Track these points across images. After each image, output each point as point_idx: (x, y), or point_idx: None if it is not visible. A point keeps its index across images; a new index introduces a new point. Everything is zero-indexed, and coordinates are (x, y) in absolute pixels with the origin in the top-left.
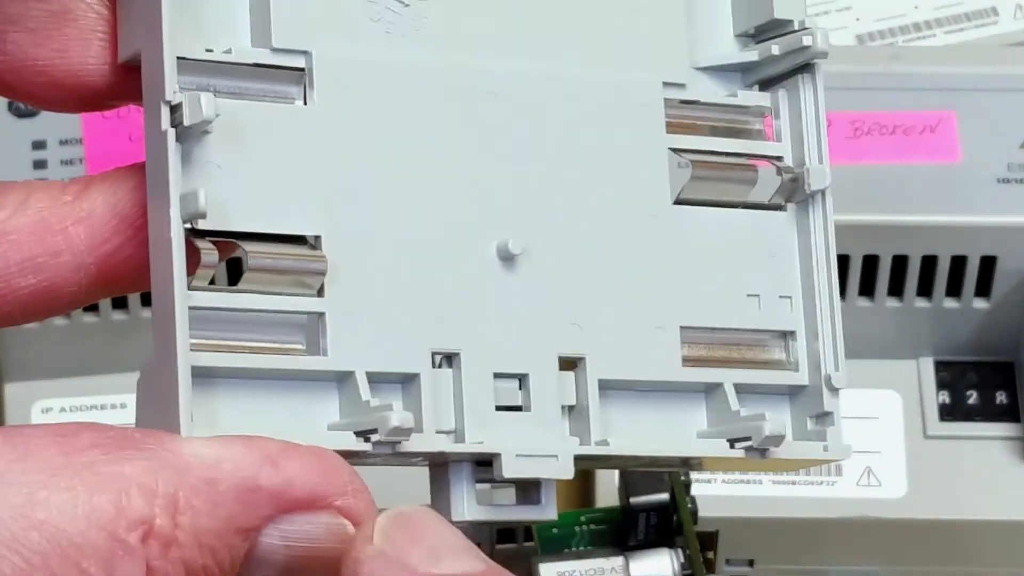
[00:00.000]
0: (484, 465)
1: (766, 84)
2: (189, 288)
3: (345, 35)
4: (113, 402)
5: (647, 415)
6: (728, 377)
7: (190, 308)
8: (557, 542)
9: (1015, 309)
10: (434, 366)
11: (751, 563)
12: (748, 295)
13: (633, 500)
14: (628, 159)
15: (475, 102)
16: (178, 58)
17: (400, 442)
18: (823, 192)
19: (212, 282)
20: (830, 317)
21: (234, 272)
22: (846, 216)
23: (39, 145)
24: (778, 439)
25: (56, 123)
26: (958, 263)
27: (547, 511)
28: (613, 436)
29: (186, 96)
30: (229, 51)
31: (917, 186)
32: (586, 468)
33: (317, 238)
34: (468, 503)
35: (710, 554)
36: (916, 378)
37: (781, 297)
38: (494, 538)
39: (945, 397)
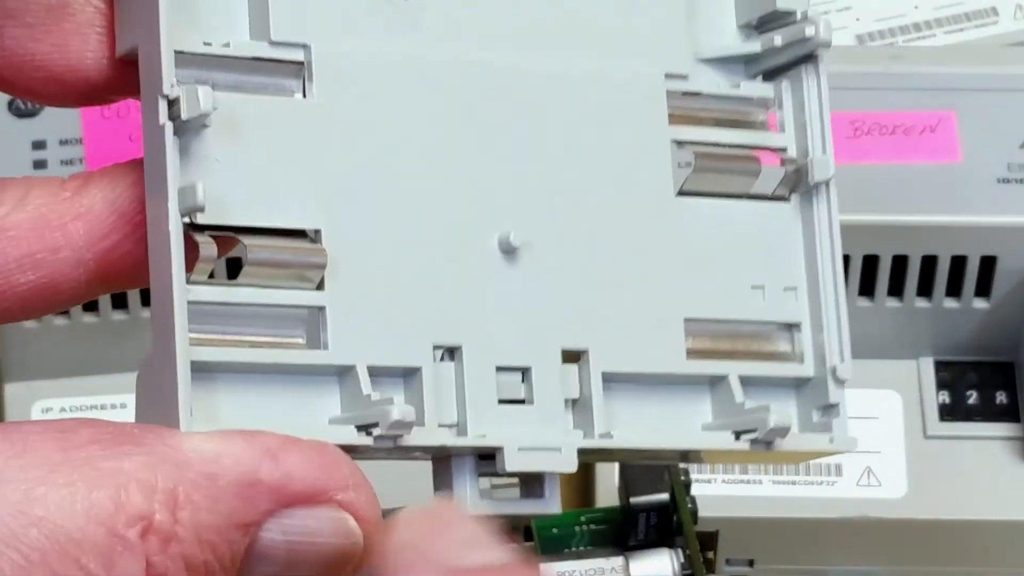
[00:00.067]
0: (487, 459)
1: (769, 75)
2: (188, 282)
3: (344, 28)
4: (113, 402)
5: (651, 408)
6: (733, 369)
7: (189, 302)
8: (557, 542)
9: (1015, 309)
10: (436, 360)
11: (751, 563)
12: (752, 287)
13: (633, 500)
14: (630, 151)
15: (475, 95)
16: (176, 52)
17: (401, 436)
18: (827, 183)
19: (212, 276)
20: (835, 308)
21: (234, 267)
22: (846, 216)
23: (39, 145)
24: (783, 431)
25: (56, 123)
26: (958, 263)
27: (551, 505)
28: (617, 429)
29: (184, 90)
30: (227, 44)
31: (917, 186)
32: (590, 461)
33: (317, 232)
34: (471, 497)
35: (710, 554)
36: (916, 378)
37: (786, 289)
38: None
39: (945, 397)
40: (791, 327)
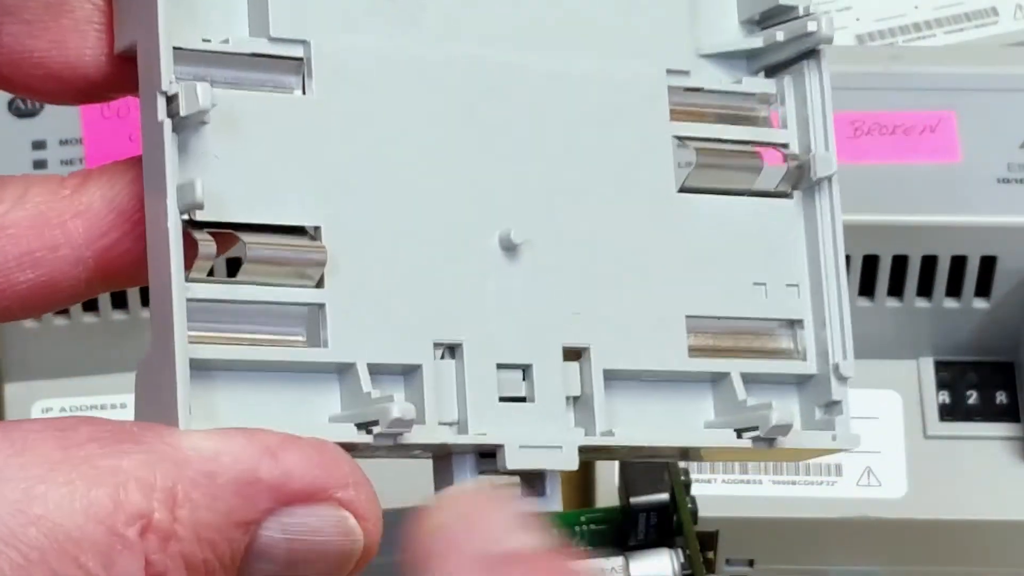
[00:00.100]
0: (488, 457)
1: (771, 71)
2: (187, 280)
3: (344, 25)
4: (113, 402)
5: (653, 405)
6: (735, 367)
7: (188, 300)
8: None
9: (1015, 309)
10: (436, 357)
11: (751, 563)
12: (755, 284)
13: (633, 500)
14: (632, 148)
15: (476, 92)
16: (174, 48)
17: (402, 434)
18: (829, 179)
19: (211, 274)
20: (838, 305)
21: (234, 265)
22: (846, 216)
23: (39, 145)
24: (785, 428)
25: (56, 123)
26: (958, 263)
27: (552, 502)
28: (618, 427)
29: (182, 86)
30: (227, 41)
31: (917, 186)
32: (591, 459)
33: (317, 229)
34: None
35: (710, 554)
36: (916, 378)
37: (788, 285)
38: None
39: (945, 397)
40: (793, 324)
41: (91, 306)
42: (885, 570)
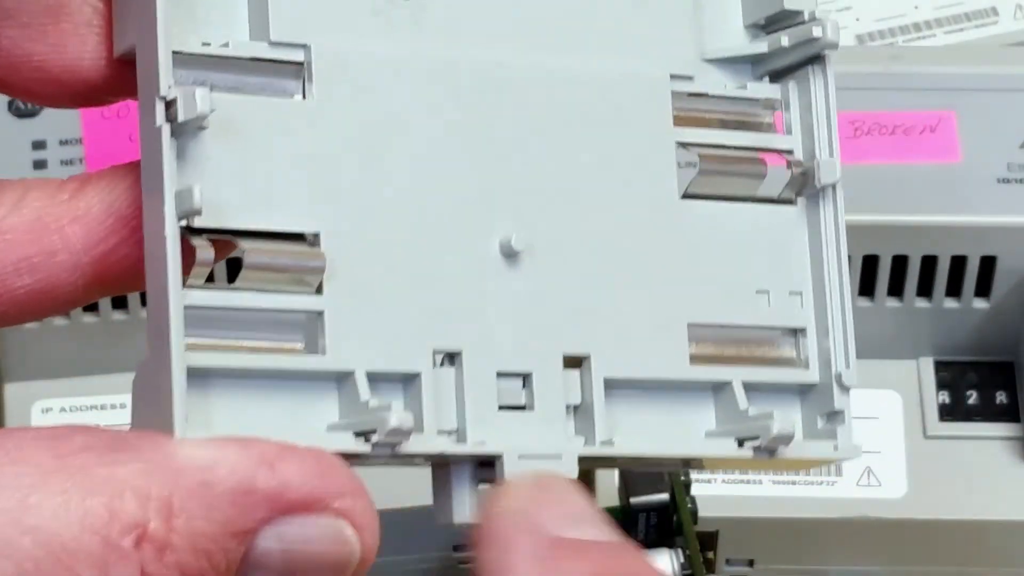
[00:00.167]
0: (487, 466)
1: (776, 76)
2: (184, 287)
3: (345, 28)
4: (113, 402)
5: (654, 414)
6: (737, 375)
7: (185, 307)
8: None
9: (1015, 309)
10: (436, 365)
11: (751, 563)
12: (757, 291)
13: (633, 500)
14: (635, 153)
15: (477, 96)
16: (174, 52)
17: (400, 443)
18: (833, 186)
19: (210, 280)
20: (841, 314)
21: (235, 271)
22: (846, 216)
23: (39, 145)
24: (787, 438)
25: (56, 123)
26: (958, 263)
27: None
28: (618, 436)
29: (181, 91)
30: (226, 45)
31: (917, 186)
32: (591, 468)
33: (316, 235)
34: (470, 504)
35: (710, 554)
36: (916, 378)
37: (791, 293)
38: None
39: (945, 397)
40: (796, 332)
41: (91, 306)
42: (885, 570)
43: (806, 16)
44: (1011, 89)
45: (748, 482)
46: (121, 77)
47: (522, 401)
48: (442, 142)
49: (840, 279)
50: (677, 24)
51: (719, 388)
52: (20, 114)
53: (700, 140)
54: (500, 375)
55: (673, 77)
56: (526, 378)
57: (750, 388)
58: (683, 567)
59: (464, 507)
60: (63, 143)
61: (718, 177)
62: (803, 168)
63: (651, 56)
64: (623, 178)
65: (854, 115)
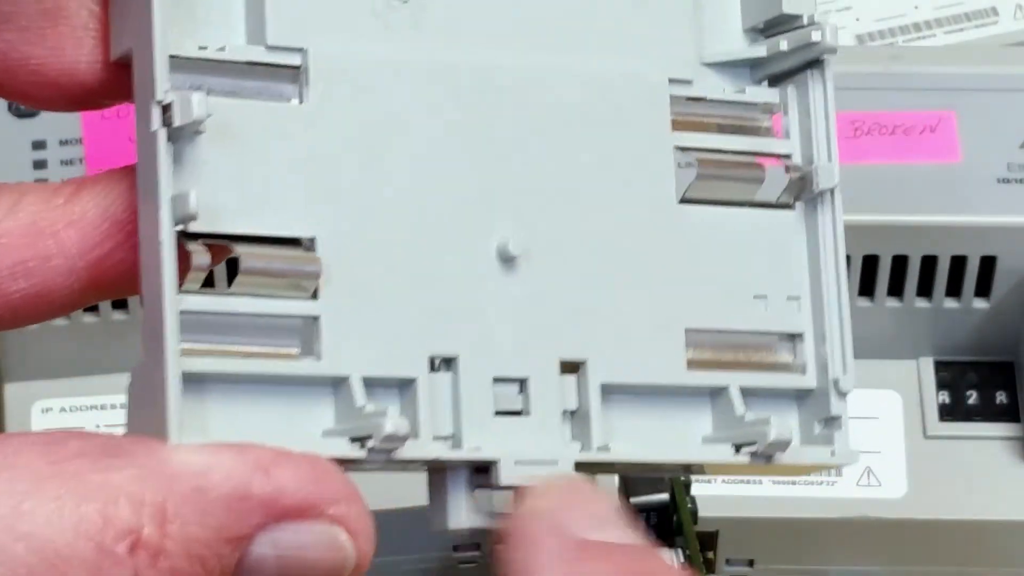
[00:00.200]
0: (482, 471)
1: (775, 80)
2: (180, 291)
3: (342, 31)
4: (113, 402)
5: (650, 420)
6: (734, 380)
7: (181, 312)
8: None
9: (1015, 309)
10: (432, 370)
11: (751, 563)
12: (755, 296)
13: (633, 500)
14: (632, 157)
15: (475, 100)
16: (170, 56)
17: (395, 449)
18: (832, 191)
19: (206, 285)
20: (838, 319)
21: (232, 275)
22: (846, 216)
23: (39, 145)
24: (784, 444)
25: (56, 123)
26: (958, 263)
27: None
28: (615, 441)
29: (177, 96)
30: (223, 49)
31: (917, 186)
32: (587, 474)
33: (311, 240)
34: (466, 510)
35: (710, 554)
36: (916, 378)
37: (789, 298)
38: None
39: (945, 397)
40: (793, 337)
41: (91, 306)
42: (885, 570)
43: (805, 20)
44: (1011, 89)
45: (748, 482)
46: (118, 81)
47: (518, 406)
48: (440, 144)
49: (838, 284)
50: (676, 28)
51: (716, 393)
52: (20, 114)
53: (698, 144)
54: (496, 380)
55: (672, 82)
56: (522, 383)
57: (747, 393)
58: (683, 567)
59: (460, 513)
60: (63, 143)
61: (716, 181)
62: (801, 173)
63: (650, 60)
64: (621, 182)
65: (854, 115)
